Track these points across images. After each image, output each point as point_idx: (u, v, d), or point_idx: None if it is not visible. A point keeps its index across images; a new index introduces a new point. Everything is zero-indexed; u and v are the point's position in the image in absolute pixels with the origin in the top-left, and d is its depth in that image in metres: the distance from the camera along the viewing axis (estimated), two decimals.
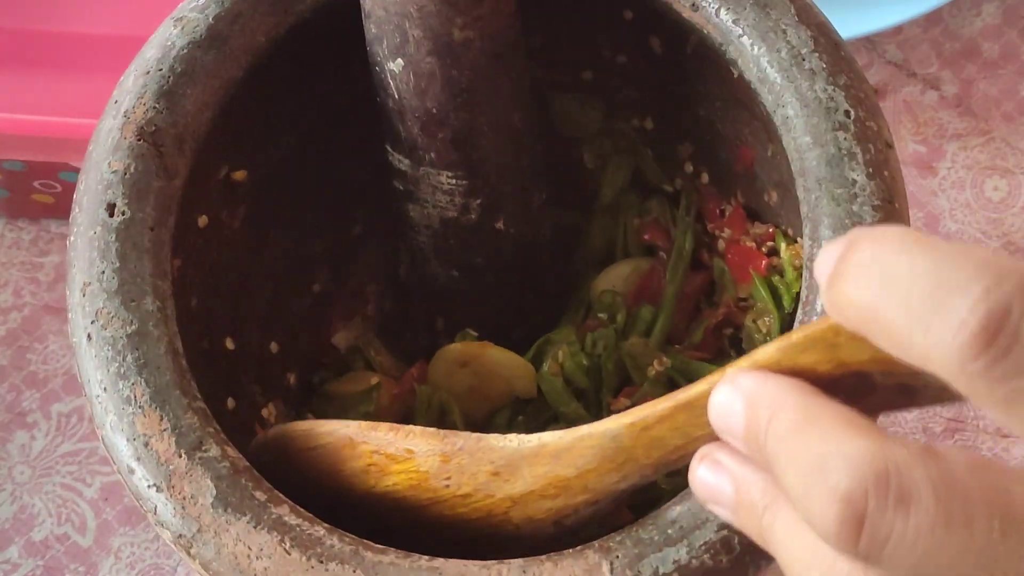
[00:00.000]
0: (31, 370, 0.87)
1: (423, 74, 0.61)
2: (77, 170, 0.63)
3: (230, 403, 0.65)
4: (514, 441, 0.54)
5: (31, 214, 0.90)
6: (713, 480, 0.44)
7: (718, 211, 0.71)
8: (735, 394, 0.42)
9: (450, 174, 0.64)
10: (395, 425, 0.56)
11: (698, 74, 0.66)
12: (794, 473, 0.39)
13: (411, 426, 0.56)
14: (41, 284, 0.89)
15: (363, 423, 0.57)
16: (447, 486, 0.55)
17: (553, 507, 0.54)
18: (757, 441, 0.41)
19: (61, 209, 0.89)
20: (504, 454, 0.54)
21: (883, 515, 0.36)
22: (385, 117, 0.64)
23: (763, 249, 0.67)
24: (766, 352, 0.43)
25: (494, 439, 0.54)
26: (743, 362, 0.44)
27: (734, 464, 0.43)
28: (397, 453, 0.56)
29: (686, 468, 0.46)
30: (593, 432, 0.51)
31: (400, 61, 0.60)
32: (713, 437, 0.45)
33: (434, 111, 0.62)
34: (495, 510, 0.55)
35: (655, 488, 0.62)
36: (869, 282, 0.38)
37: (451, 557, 0.52)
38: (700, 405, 0.46)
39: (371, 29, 0.61)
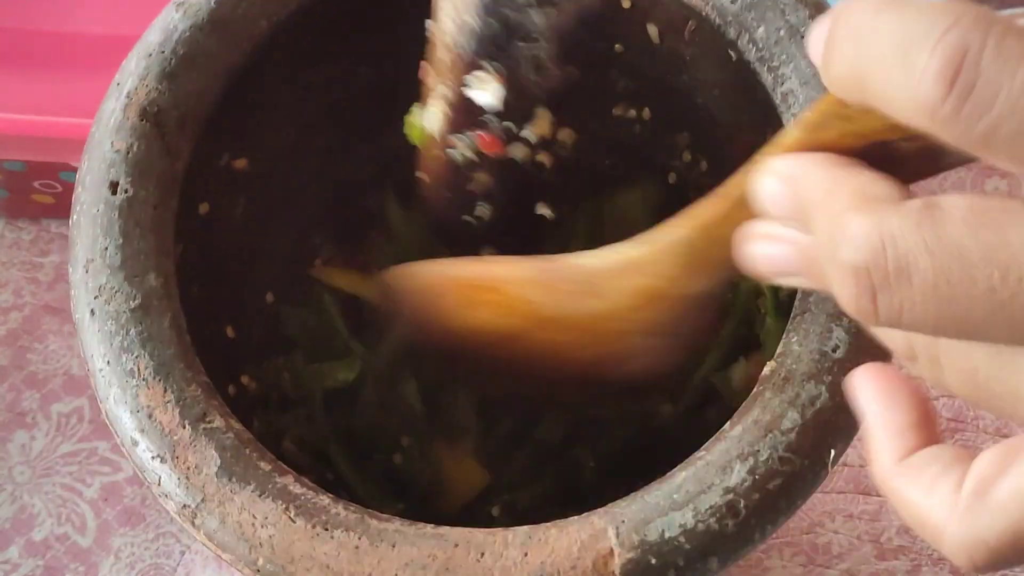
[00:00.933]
0: (31, 370, 0.87)
1: None
2: (77, 170, 0.63)
3: (231, 390, 0.65)
4: (593, 259, 0.56)
5: (31, 214, 0.91)
6: (774, 250, 0.45)
7: None
8: (774, 179, 0.44)
9: None
10: (479, 258, 0.61)
11: (696, 61, 0.67)
12: (820, 250, 0.40)
13: (495, 257, 0.61)
14: (41, 284, 0.89)
15: (453, 260, 0.62)
16: (537, 308, 0.58)
17: (649, 316, 0.56)
18: (804, 217, 0.42)
19: (61, 209, 0.89)
20: (587, 271, 0.56)
21: (888, 287, 0.37)
22: None
23: None
24: (790, 135, 0.45)
25: (573, 258, 0.57)
26: (771, 149, 0.45)
27: (786, 230, 0.45)
28: (485, 282, 0.59)
29: None
30: (667, 240, 0.53)
31: None
32: None
33: None
34: (590, 327, 0.57)
35: None
36: (850, 49, 0.38)
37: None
38: (743, 199, 0.48)
39: None
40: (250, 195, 0.67)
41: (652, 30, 0.68)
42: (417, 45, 0.63)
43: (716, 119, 0.69)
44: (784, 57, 0.59)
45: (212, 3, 0.61)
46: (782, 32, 0.59)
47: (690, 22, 0.64)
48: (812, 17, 0.59)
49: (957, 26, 0.35)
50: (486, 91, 0.60)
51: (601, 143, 0.75)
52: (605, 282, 0.56)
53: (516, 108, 0.62)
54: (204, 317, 0.63)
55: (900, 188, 0.40)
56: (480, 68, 0.60)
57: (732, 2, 0.61)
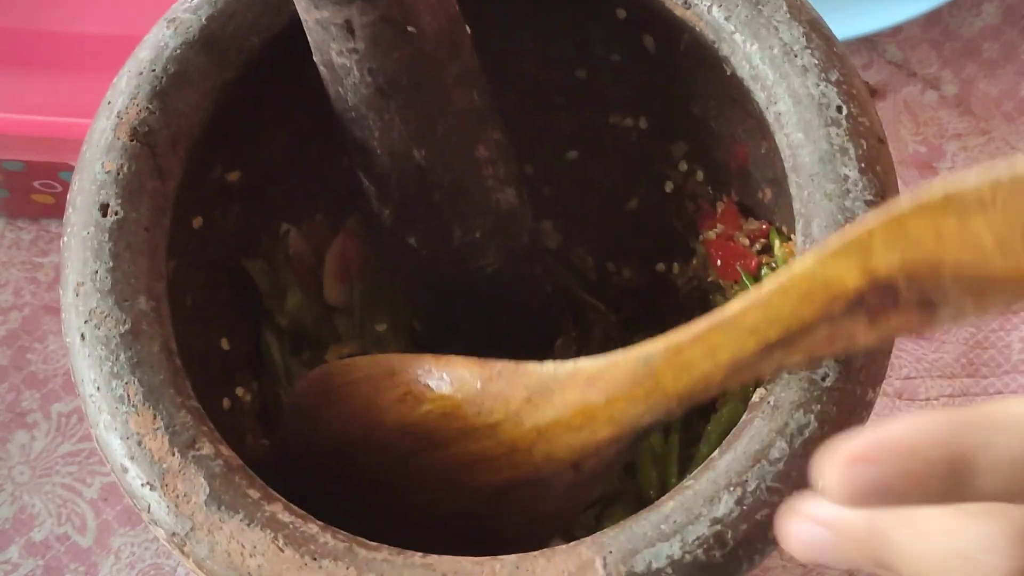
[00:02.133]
0: (31, 370, 0.87)
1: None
2: None
3: (225, 403, 0.65)
4: (550, 366, 0.56)
5: (31, 214, 0.90)
6: (818, 535, 0.45)
7: (711, 208, 0.71)
8: (813, 526, 0.45)
9: None
10: (436, 356, 0.59)
11: (691, 72, 0.66)
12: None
13: (451, 356, 0.59)
14: (41, 284, 0.89)
15: (405, 355, 0.61)
16: (478, 413, 0.57)
17: (576, 442, 0.56)
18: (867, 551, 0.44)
19: (61, 209, 0.88)
20: (540, 378, 0.56)
21: None
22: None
23: (755, 247, 0.67)
24: (803, 263, 0.46)
25: (531, 365, 0.57)
26: (775, 278, 0.48)
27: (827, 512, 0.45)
28: (434, 382, 0.58)
29: None
30: (628, 356, 0.54)
31: None
32: (736, 365, 0.49)
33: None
34: (520, 443, 0.57)
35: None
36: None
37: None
38: (732, 324, 0.50)
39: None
40: (243, 206, 0.67)
41: (648, 41, 0.68)
42: None
43: (712, 130, 0.69)
44: (777, 76, 0.58)
45: (203, 20, 0.61)
46: (775, 50, 0.59)
47: (685, 35, 0.63)
48: (806, 35, 0.59)
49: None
50: None
51: (598, 152, 0.75)
52: (557, 390, 0.56)
53: None
54: (198, 330, 0.63)
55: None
56: None
57: (726, 19, 0.60)
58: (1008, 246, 0.42)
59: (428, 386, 0.59)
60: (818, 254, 0.46)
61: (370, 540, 0.52)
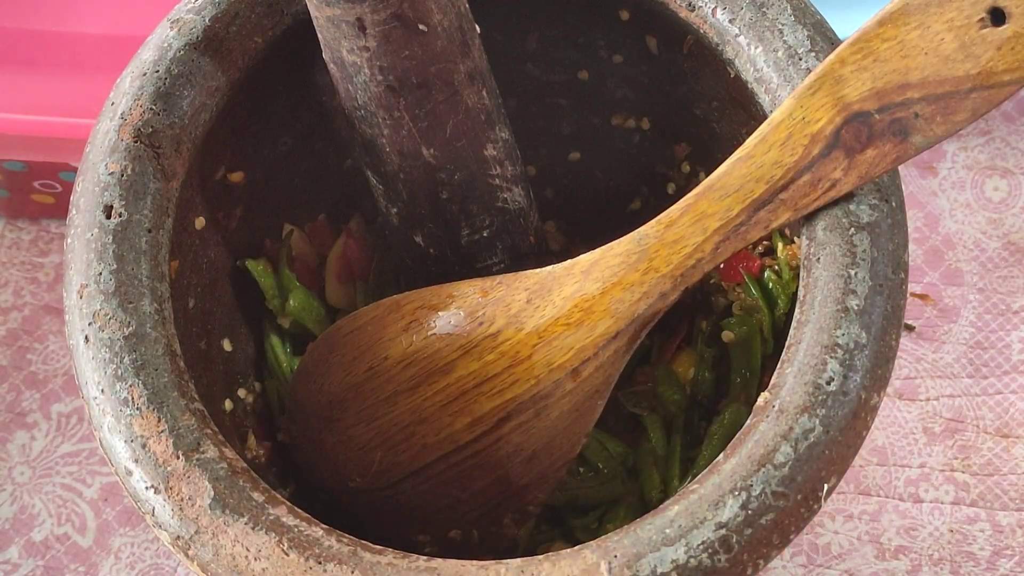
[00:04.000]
0: (31, 370, 0.87)
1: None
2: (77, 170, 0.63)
3: (227, 404, 0.65)
4: (549, 267, 0.59)
5: (31, 214, 0.90)
6: None
7: None
8: None
9: None
10: (441, 284, 0.62)
11: (694, 74, 0.66)
12: None
13: (455, 282, 0.62)
14: (41, 284, 0.89)
15: (411, 291, 0.63)
16: (480, 323, 0.59)
17: (575, 342, 0.57)
18: None
19: (61, 209, 0.89)
20: (539, 278, 0.59)
21: None
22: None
23: (758, 249, 0.67)
24: (780, 111, 0.51)
25: (531, 270, 0.60)
26: (755, 135, 0.52)
27: None
28: (440, 300, 0.61)
29: None
30: (622, 240, 0.57)
31: None
32: (726, 231, 0.53)
33: None
34: (520, 352, 0.58)
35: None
36: None
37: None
38: (719, 188, 0.53)
39: None
40: (246, 207, 0.67)
41: (651, 42, 0.68)
42: None
43: (715, 131, 0.69)
44: (781, 79, 0.58)
45: (206, 21, 0.61)
46: (780, 53, 0.58)
47: (688, 37, 0.63)
48: (811, 38, 0.58)
49: None
50: None
51: (601, 153, 0.75)
52: (556, 287, 0.58)
53: None
54: (200, 332, 0.63)
55: None
56: None
57: (730, 21, 0.60)
58: (969, 48, 0.44)
59: (432, 307, 0.61)
60: (793, 97, 0.49)
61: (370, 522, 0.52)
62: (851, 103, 0.46)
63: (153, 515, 0.52)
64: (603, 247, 0.57)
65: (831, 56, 0.48)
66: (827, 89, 0.47)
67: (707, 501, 0.51)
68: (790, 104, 0.50)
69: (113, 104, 0.60)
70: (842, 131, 0.47)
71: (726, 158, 0.68)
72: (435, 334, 0.60)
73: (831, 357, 0.53)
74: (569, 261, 0.58)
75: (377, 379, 0.62)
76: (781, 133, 0.51)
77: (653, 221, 0.55)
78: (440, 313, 0.60)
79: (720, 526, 0.50)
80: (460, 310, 0.60)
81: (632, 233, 0.56)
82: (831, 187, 0.51)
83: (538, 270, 0.59)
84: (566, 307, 0.57)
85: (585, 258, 0.58)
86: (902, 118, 0.45)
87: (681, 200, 0.55)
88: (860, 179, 0.51)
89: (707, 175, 0.71)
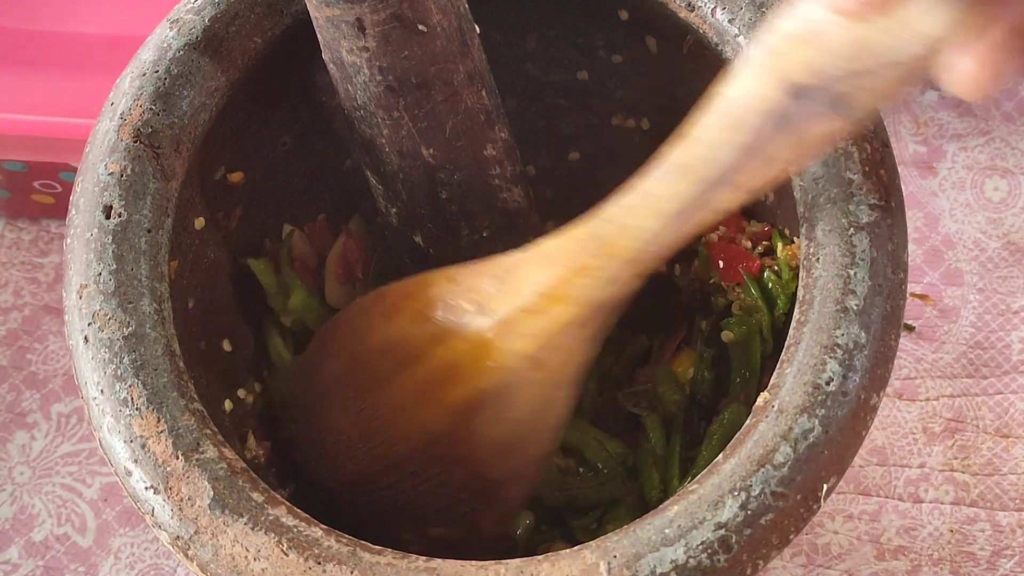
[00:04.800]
0: (31, 370, 0.87)
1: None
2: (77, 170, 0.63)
3: (227, 405, 0.65)
4: (516, 253, 0.59)
5: (31, 214, 0.90)
6: None
7: None
8: None
9: None
10: (424, 273, 0.63)
11: (694, 74, 0.66)
12: None
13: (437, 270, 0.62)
14: (41, 284, 0.89)
15: (398, 281, 0.64)
16: (450, 312, 0.60)
17: (538, 328, 0.58)
18: None
19: (61, 209, 0.89)
20: (506, 264, 0.59)
21: None
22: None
23: (757, 249, 0.67)
24: (726, 91, 0.50)
25: (500, 256, 0.60)
26: (700, 116, 0.51)
27: None
28: (417, 289, 0.62)
29: None
30: (584, 224, 0.57)
31: None
32: (683, 214, 0.53)
33: None
34: (487, 342, 0.59)
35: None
36: None
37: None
38: (674, 172, 0.53)
39: None
40: (246, 207, 0.67)
41: (650, 42, 0.68)
42: None
43: None
44: None
45: (206, 21, 0.61)
46: None
47: (688, 37, 0.63)
48: None
49: None
50: None
51: (601, 153, 0.75)
52: (520, 272, 0.58)
53: None
54: (200, 332, 0.63)
55: None
56: None
57: (730, 21, 0.60)
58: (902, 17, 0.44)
59: (409, 296, 0.62)
60: (737, 78, 0.49)
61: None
62: (795, 80, 0.46)
63: (153, 515, 0.52)
64: (566, 230, 0.57)
65: (770, 34, 0.48)
66: (771, 69, 0.47)
67: (706, 501, 0.51)
68: (734, 87, 0.50)
69: (113, 104, 0.60)
70: (790, 108, 0.47)
71: None
72: (409, 322, 0.60)
73: (831, 357, 0.53)
74: (534, 246, 0.59)
75: (358, 369, 0.63)
76: (733, 113, 0.51)
77: (612, 203, 0.55)
78: (415, 301, 0.61)
79: (719, 526, 0.50)
80: (433, 299, 0.60)
81: (591, 218, 0.56)
82: (784, 164, 0.51)
83: (505, 256, 0.60)
84: (530, 296, 0.58)
85: (548, 243, 0.58)
86: (843, 93, 0.46)
87: (638, 183, 0.55)
88: (811, 154, 0.52)
89: None
